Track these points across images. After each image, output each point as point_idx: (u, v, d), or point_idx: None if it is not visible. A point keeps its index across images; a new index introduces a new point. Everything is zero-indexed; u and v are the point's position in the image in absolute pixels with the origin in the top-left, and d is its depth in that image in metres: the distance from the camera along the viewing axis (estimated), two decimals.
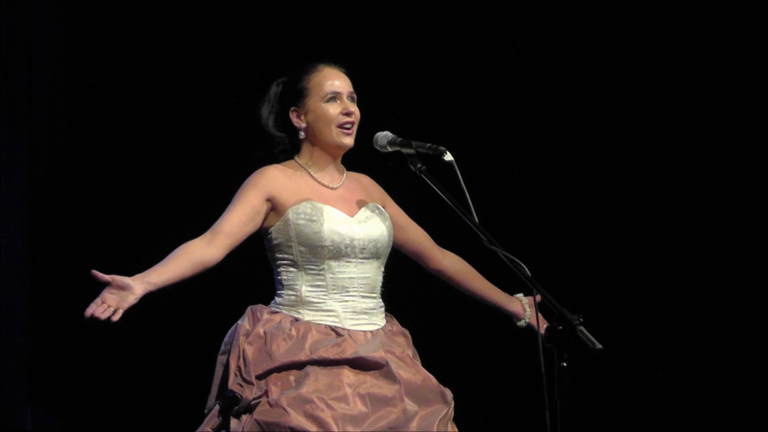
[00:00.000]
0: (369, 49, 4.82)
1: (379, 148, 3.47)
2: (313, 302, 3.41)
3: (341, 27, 4.86)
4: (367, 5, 4.90)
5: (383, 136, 3.46)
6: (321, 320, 3.39)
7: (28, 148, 4.54)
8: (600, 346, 2.85)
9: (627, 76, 4.86)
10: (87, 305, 3.12)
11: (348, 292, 3.41)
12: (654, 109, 4.86)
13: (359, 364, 3.30)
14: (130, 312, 4.78)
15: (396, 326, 3.51)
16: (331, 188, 3.50)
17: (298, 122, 3.50)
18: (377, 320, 3.45)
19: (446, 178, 3.31)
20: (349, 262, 3.41)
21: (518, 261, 3.07)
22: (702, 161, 4.83)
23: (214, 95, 4.79)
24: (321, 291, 3.41)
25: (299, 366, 3.28)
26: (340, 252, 3.40)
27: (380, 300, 3.49)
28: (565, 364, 2.87)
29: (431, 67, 4.92)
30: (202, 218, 3.49)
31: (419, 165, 3.36)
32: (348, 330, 3.38)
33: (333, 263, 3.40)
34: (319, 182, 3.50)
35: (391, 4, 4.92)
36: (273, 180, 3.44)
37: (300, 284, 3.42)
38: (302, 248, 3.41)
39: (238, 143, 4.31)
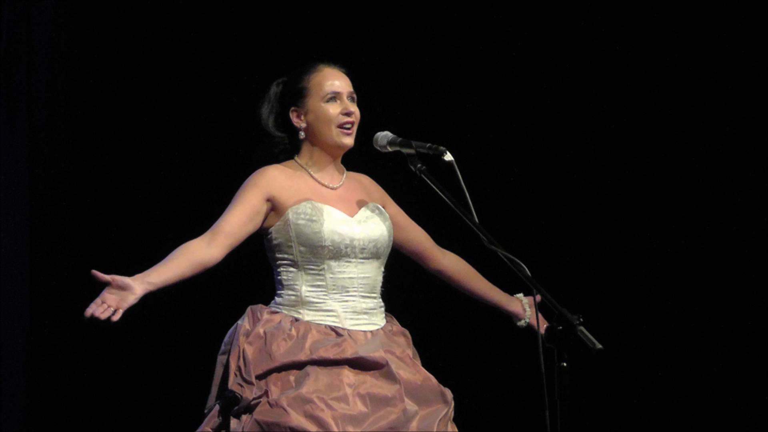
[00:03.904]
0: (369, 49, 4.82)
1: (379, 148, 3.47)
2: (313, 302, 3.41)
3: (341, 27, 4.86)
4: (366, 5, 4.90)
5: (383, 136, 3.46)
6: (321, 320, 3.39)
7: (28, 148, 4.54)
8: (600, 346, 2.85)
9: (627, 76, 4.86)
10: (87, 305, 3.12)
11: (348, 292, 3.42)
12: (654, 109, 4.87)
13: (359, 364, 3.30)
14: (130, 312, 4.80)
15: (396, 326, 3.52)
16: (331, 188, 3.50)
17: (298, 122, 3.50)
18: (377, 320, 3.46)
19: (446, 178, 3.31)
20: (349, 262, 3.41)
21: (518, 261, 3.08)
22: (702, 161, 4.83)
23: (214, 95, 4.80)
24: (321, 291, 3.41)
25: (299, 366, 3.28)
26: (340, 252, 3.40)
27: (380, 300, 3.50)
28: (565, 364, 2.87)
29: (431, 67, 4.92)
30: (202, 218, 3.49)
31: (419, 165, 3.37)
32: (348, 330, 3.38)
33: (333, 263, 3.40)
34: (319, 182, 3.50)
35: (391, 4, 4.92)
36: (273, 180, 3.44)
37: (300, 284, 3.42)
38: (302, 248, 3.41)
39: (238, 143, 4.31)
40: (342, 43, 4.72)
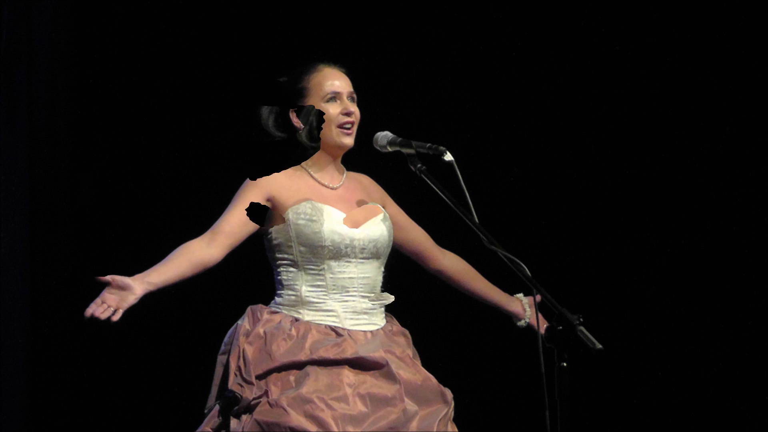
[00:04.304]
0: (369, 49, 4.82)
1: (379, 148, 3.48)
2: (313, 302, 3.42)
3: (341, 27, 4.86)
4: (367, 5, 4.90)
5: (383, 136, 3.47)
6: (321, 320, 3.40)
7: (28, 148, 4.54)
8: (600, 346, 2.86)
9: (627, 76, 4.86)
10: (87, 305, 3.12)
11: (348, 292, 3.43)
12: (654, 109, 4.87)
13: (359, 364, 3.31)
14: (130, 312, 4.78)
15: (396, 326, 3.52)
16: (331, 188, 3.51)
17: (298, 123, 3.51)
18: (377, 320, 3.47)
19: (446, 178, 3.32)
20: (349, 262, 3.42)
21: (518, 261, 3.08)
22: (702, 161, 4.84)
23: (214, 95, 4.80)
24: (321, 291, 3.42)
25: (299, 366, 3.29)
26: (340, 252, 3.40)
27: (380, 299, 3.50)
28: (565, 364, 2.87)
29: (431, 67, 4.92)
30: (202, 218, 3.49)
31: (419, 165, 3.37)
32: (348, 330, 3.39)
33: (333, 263, 3.41)
34: (319, 182, 3.51)
35: (391, 4, 4.92)
36: (273, 180, 3.45)
37: (300, 284, 3.43)
38: (302, 248, 3.42)
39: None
40: (342, 43, 4.73)
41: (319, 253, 3.40)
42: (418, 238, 3.69)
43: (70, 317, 4.58)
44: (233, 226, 3.38)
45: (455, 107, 4.94)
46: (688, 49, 4.84)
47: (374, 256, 3.46)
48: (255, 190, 3.43)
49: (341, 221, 3.42)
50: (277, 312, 3.42)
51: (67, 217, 4.66)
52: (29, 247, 4.54)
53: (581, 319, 2.91)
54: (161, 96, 4.78)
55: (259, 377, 3.29)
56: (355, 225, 3.44)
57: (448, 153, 3.32)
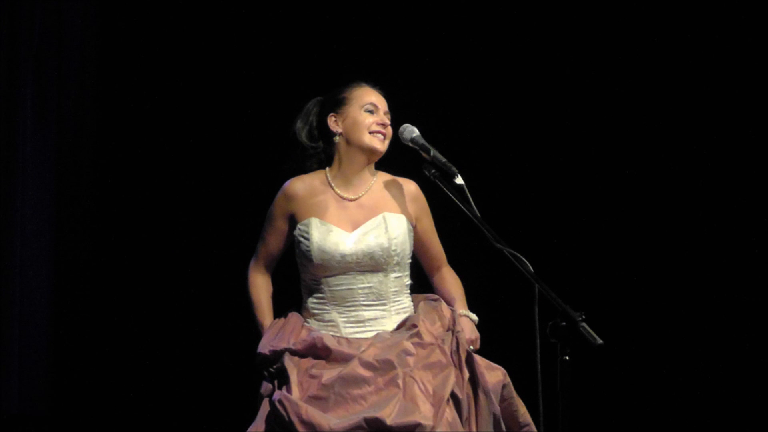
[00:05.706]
0: (369, 50, 4.85)
1: (401, 139, 3.55)
2: (315, 313, 3.51)
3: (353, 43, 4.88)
4: (368, 8, 4.93)
5: (410, 131, 3.55)
6: (323, 330, 3.47)
7: (56, 142, 4.55)
8: (600, 341, 2.93)
9: (627, 76, 4.81)
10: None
11: (347, 302, 3.49)
12: (654, 109, 4.82)
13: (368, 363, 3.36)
14: (132, 313, 4.82)
15: (410, 320, 3.50)
16: (350, 200, 3.56)
17: (335, 127, 3.56)
18: (387, 325, 3.49)
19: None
20: (347, 274, 3.48)
21: (523, 259, 3.16)
22: (702, 160, 4.80)
23: (242, 94, 4.79)
24: (322, 302, 3.50)
25: (317, 351, 3.38)
26: (332, 268, 3.48)
27: (394, 305, 3.52)
28: (567, 358, 2.94)
29: (431, 68, 4.89)
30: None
31: (433, 171, 3.46)
32: (348, 339, 3.44)
33: (329, 278, 3.49)
34: (338, 194, 3.56)
35: (391, 5, 4.94)
36: (292, 199, 3.54)
37: (306, 295, 3.55)
38: (303, 263, 3.52)
39: (266, 149, 4.36)
40: (348, 48, 4.79)
41: (314, 269, 3.49)
42: (435, 255, 3.69)
43: (91, 317, 4.61)
44: (271, 250, 3.59)
45: (455, 107, 4.91)
46: (688, 49, 4.78)
47: (374, 268, 3.49)
48: (278, 213, 3.56)
49: (330, 238, 3.47)
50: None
51: (91, 215, 4.66)
52: (55, 240, 4.53)
53: (583, 316, 2.98)
54: (187, 94, 4.77)
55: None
56: (352, 239, 3.49)
57: (459, 177, 3.40)
